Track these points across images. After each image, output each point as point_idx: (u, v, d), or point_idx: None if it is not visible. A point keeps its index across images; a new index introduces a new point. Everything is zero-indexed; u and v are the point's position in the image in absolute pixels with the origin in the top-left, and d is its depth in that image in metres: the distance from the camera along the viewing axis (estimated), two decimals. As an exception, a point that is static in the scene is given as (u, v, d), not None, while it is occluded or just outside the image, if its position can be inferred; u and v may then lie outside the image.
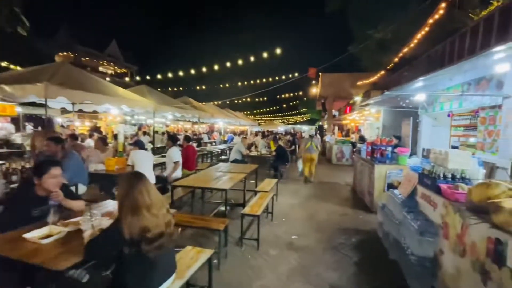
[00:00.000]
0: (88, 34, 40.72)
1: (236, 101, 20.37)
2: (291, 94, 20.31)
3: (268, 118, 43.53)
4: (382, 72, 15.32)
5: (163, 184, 4.79)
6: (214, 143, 16.58)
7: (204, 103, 14.17)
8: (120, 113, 10.07)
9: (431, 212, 2.69)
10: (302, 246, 3.50)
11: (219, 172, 4.61)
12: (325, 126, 25.52)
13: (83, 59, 41.13)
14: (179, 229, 2.24)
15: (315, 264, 3.06)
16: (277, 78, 12.73)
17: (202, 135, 20.03)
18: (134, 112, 10.52)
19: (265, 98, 21.27)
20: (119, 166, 4.72)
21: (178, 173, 5.05)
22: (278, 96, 20.05)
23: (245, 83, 15.07)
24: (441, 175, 2.62)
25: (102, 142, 4.95)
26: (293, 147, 11.60)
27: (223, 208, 4.76)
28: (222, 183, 3.56)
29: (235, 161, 7.50)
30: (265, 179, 5.73)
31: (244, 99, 20.05)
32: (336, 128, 20.87)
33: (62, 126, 14.11)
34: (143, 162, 4.50)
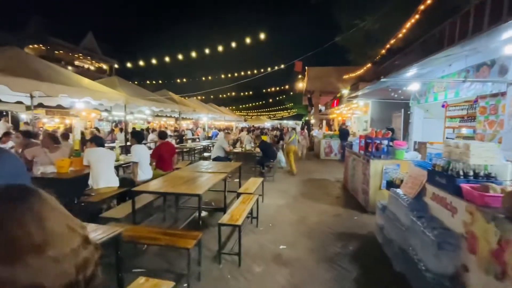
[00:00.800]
0: (61, 25, 38.23)
1: (220, 95, 19.58)
2: (277, 88, 19.78)
3: (255, 114, 42.95)
4: (369, 65, 15.06)
5: (130, 187, 4.09)
6: (197, 140, 15.81)
7: (186, 98, 13.37)
8: (89, 107, 9.10)
9: (447, 218, 2.20)
10: (292, 258, 2.96)
11: (196, 172, 3.98)
12: (312, 121, 25.28)
13: (56, 52, 38.64)
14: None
15: (308, 283, 2.53)
16: (262, 70, 12.11)
17: (185, 131, 19.19)
18: (104, 106, 9.58)
19: (251, 93, 20.58)
20: (74, 168, 3.97)
21: (148, 174, 4.36)
22: (264, 90, 19.45)
23: (229, 75, 14.31)
24: (461, 173, 2.13)
25: (51, 139, 4.16)
26: (281, 142, 11.09)
27: (202, 214, 4.15)
28: (196, 187, 2.94)
29: (217, 159, 6.86)
30: (251, 177, 5.15)
31: (228, 93, 19.31)
32: (324, 122, 20.59)
33: (26, 123, 12.85)
34: (101, 161, 3.78)
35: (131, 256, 2.75)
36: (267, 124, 35.01)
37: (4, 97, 6.85)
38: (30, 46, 37.15)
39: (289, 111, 45.79)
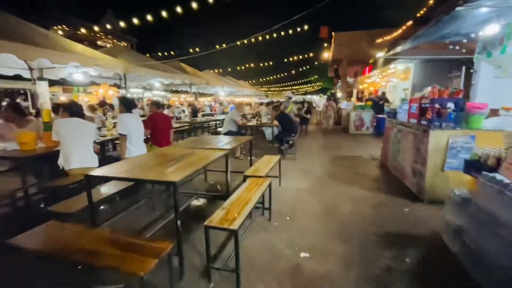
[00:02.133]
0: (82, 5, 38.23)
1: (238, 68, 18.24)
2: (300, 57, 17.90)
3: (276, 89, 40.96)
4: (410, 22, 12.77)
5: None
6: (214, 115, 14.99)
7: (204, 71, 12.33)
8: (87, 79, 8.41)
9: None
10: (319, 275, 1.97)
11: (191, 148, 3.03)
12: (339, 94, 23.17)
13: (78, 32, 39.10)
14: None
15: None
16: (282, 33, 10.59)
17: (203, 107, 18.40)
18: (113, 80, 8.91)
19: (271, 63, 18.89)
20: (44, 144, 3.22)
21: (140, 150, 3.51)
22: (285, 60, 17.70)
23: (246, 42, 12.85)
24: None
25: (15, 112, 3.40)
26: (308, 115, 9.80)
27: (197, 203, 3.25)
28: (174, 171, 1.99)
29: (228, 133, 5.89)
30: (264, 155, 4.14)
31: (247, 65, 17.89)
32: (355, 92, 18.59)
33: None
34: (74, 135, 2.96)
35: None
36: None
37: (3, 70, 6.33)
38: (55, 27, 37.90)
39: (313, 84, 43.13)
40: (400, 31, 13.14)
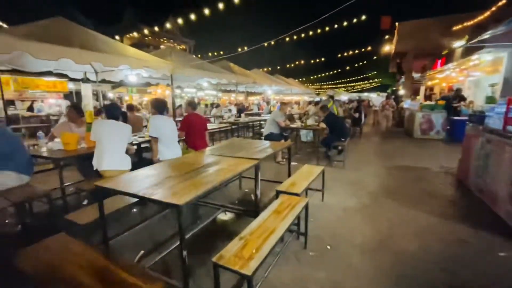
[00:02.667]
0: (147, 13, 42.48)
1: (288, 65, 17.63)
2: (356, 51, 16.34)
3: (329, 86, 38.81)
4: (503, 1, 10.43)
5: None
6: (261, 115, 14.78)
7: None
8: (141, 80, 8.98)
9: None
10: None
11: (217, 156, 2.73)
12: (401, 92, 20.60)
13: (146, 38, 43.61)
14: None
15: None
16: (336, 26, 9.65)
17: (251, 106, 18.41)
18: (174, 82, 9.39)
19: (323, 59, 17.74)
20: (86, 145, 3.32)
21: (175, 152, 3.38)
22: (339, 55, 16.38)
23: (295, 37, 12.17)
24: None
25: (76, 112, 3.61)
26: (357, 114, 8.76)
27: (224, 217, 2.92)
28: (183, 188, 1.67)
29: (270, 136, 5.49)
30: (305, 165, 3.62)
31: (297, 62, 17.15)
32: (423, 88, 16.27)
33: (112, 100, 14.39)
34: (108, 137, 2.96)
35: None
36: (343, 97, 30.99)
37: (73, 74, 7.13)
38: (127, 36, 43.06)
39: (370, 81, 39.58)
40: (488, 13, 10.83)
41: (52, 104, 10.71)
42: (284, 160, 5.42)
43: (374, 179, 4.32)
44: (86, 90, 4.15)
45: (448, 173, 4.64)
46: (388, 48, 22.31)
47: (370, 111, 20.71)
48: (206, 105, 14.30)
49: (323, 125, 5.23)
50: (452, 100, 8.26)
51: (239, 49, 14.82)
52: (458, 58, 9.25)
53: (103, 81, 8.28)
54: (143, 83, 10.61)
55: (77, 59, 4.16)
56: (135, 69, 5.45)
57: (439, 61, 12.44)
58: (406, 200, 3.43)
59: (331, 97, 7.14)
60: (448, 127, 8.16)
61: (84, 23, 4.73)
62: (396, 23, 19.04)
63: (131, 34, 43.23)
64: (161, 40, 44.57)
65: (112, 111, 3.21)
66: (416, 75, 18.91)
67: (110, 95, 14.60)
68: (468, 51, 8.01)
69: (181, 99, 20.65)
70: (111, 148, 2.99)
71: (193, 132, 4.08)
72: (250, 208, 2.55)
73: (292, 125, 5.55)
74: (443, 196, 3.58)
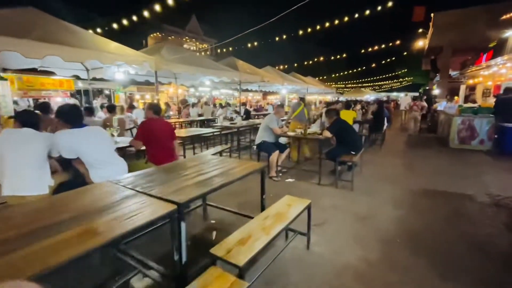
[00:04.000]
0: (171, 12, 43.07)
1: (306, 62, 16.32)
2: (383, 46, 14.61)
3: (354, 85, 36.46)
4: None
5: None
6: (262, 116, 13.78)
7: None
8: (125, 78, 8.42)
9: None
10: None
11: (119, 191, 1.80)
12: (436, 91, 18.38)
13: (169, 38, 44.35)
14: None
15: None
16: (362, 17, 8.32)
17: (266, 107, 17.40)
18: (191, 83, 8.79)
19: (344, 55, 16.16)
20: None
21: (111, 171, 2.51)
22: (363, 51, 14.76)
23: (317, 28, 10.83)
24: None
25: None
26: (385, 124, 7.32)
27: (138, 285, 1.97)
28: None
29: (262, 146, 4.49)
30: (286, 195, 2.59)
31: (315, 59, 15.79)
32: (463, 88, 14.28)
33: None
34: (14, 152, 2.19)
35: None
36: (370, 97, 28.74)
37: (60, 71, 6.66)
38: (151, 35, 44.06)
39: (400, 80, 36.61)
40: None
41: (59, 103, 10.60)
42: (278, 177, 4.39)
43: (390, 213, 3.15)
44: (3, 89, 3.46)
45: (500, 205, 3.32)
46: (421, 43, 20.09)
47: (398, 113, 18.74)
48: (215, 105, 13.53)
49: (327, 133, 4.11)
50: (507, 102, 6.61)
51: (249, 45, 13.87)
52: (511, 50, 7.53)
53: (98, 79, 7.78)
54: (126, 82, 9.98)
55: (26, 52, 3.51)
56: (107, 64, 4.74)
57: (484, 56, 10.54)
58: (435, 260, 2.26)
59: (302, 99, 5.94)
60: (496, 136, 6.56)
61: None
62: (432, 14, 16.94)
63: (154, 34, 44.34)
64: (184, 39, 45.07)
65: (28, 118, 2.42)
66: (454, 73, 16.68)
67: (121, 94, 14.38)
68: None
69: (194, 98, 20.17)
70: (15, 165, 2.21)
71: (153, 141, 3.23)
72: (174, 273, 1.61)
73: (290, 133, 4.48)
74: (497, 254, 2.35)
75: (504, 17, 11.55)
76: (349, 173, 4.15)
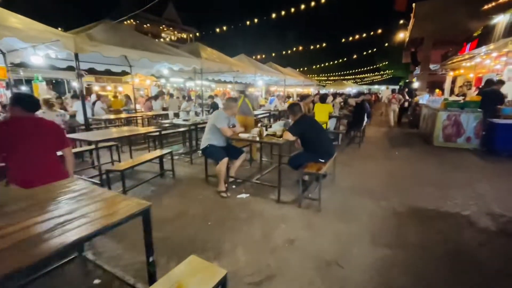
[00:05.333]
0: (146, -2, 40.52)
1: (284, 52, 15.26)
2: (364, 35, 13.83)
3: (337, 78, 35.87)
4: None
5: None
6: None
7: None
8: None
9: None
10: None
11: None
12: (415, 84, 18.04)
13: (144, 25, 41.74)
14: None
15: None
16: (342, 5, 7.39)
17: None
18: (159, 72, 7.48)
19: (324, 45, 15.27)
20: None
21: None
22: (344, 40, 13.90)
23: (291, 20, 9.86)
24: None
25: None
26: (365, 120, 6.48)
27: None
28: None
29: (207, 151, 3.46)
30: (191, 256, 1.57)
31: (295, 48, 14.76)
32: (449, 80, 13.95)
33: (75, 91, 12.45)
34: None
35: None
36: (352, 89, 28.23)
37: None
38: (125, 22, 41.15)
39: (381, 73, 36.55)
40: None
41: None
42: (227, 193, 3.37)
43: (368, 252, 2.23)
44: None
45: (510, 233, 2.50)
46: (402, 35, 19.64)
47: (379, 106, 18.28)
48: (184, 97, 12.25)
49: (288, 135, 3.12)
50: (493, 95, 5.95)
51: (217, 29, 12.57)
52: (497, 39, 6.88)
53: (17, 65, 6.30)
54: (46, 66, 8.42)
55: None
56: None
57: (468, 46, 9.95)
58: None
59: (242, 92, 5.12)
60: (484, 133, 5.91)
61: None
62: (414, 4, 16.37)
63: (129, 22, 41.53)
64: (161, 27, 42.45)
65: None
66: (433, 66, 16.31)
67: (75, 84, 12.67)
68: (514, 29, 5.72)
69: (165, 89, 18.54)
70: None
71: (18, 152, 2.10)
72: None
73: (242, 135, 3.45)
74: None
75: (485, 7, 11.03)
76: (316, 187, 3.21)
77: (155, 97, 10.60)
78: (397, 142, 7.11)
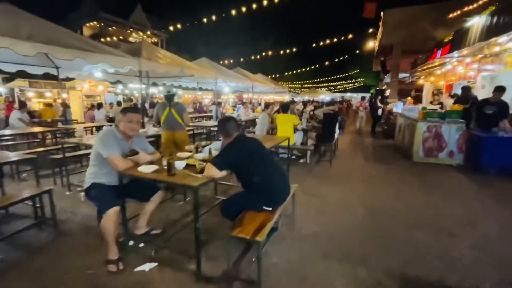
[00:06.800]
0: (111, 1, 38.21)
1: (253, 56, 14.28)
2: (335, 40, 13.31)
3: (310, 85, 35.85)
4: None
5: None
6: (205, 119, 11.53)
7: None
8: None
9: None
10: None
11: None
12: (387, 93, 17.97)
13: (109, 28, 39.34)
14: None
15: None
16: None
17: (211, 107, 14.93)
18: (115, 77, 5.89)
19: (294, 49, 14.56)
20: None
21: None
22: (314, 45, 13.27)
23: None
24: None
25: None
26: (337, 132, 5.49)
27: None
28: None
29: (92, 193, 2.15)
30: None
31: (264, 53, 13.85)
32: (429, 87, 13.86)
33: (7, 97, 10.36)
34: None
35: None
36: (325, 97, 28.06)
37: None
38: (87, 24, 38.42)
39: (353, 80, 37.20)
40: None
41: None
42: (119, 265, 2.08)
43: None
44: None
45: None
46: (372, 44, 19.71)
47: (351, 113, 17.95)
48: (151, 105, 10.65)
49: (212, 170, 1.92)
50: (475, 106, 5.27)
51: (187, 34, 11.28)
52: (473, 42, 6.29)
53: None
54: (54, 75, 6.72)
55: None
56: None
57: (439, 52, 9.54)
58: None
59: (167, 97, 3.82)
60: (468, 147, 5.18)
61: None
62: (382, 12, 16.33)
63: (91, 24, 38.96)
64: (128, 31, 40.09)
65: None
66: (403, 75, 16.33)
67: (1, 89, 10.60)
68: (491, 33, 5.16)
69: (125, 97, 16.64)
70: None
71: None
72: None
73: (145, 167, 2.18)
74: None
75: (450, 15, 10.89)
76: (256, 260, 2.03)
77: (99, 106, 8.98)
78: (374, 156, 6.23)
